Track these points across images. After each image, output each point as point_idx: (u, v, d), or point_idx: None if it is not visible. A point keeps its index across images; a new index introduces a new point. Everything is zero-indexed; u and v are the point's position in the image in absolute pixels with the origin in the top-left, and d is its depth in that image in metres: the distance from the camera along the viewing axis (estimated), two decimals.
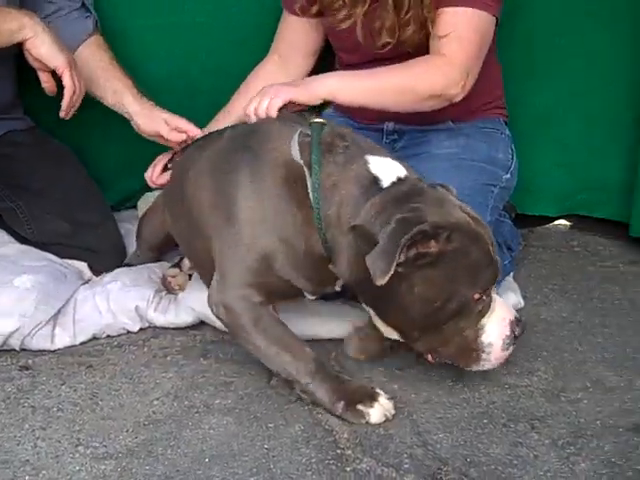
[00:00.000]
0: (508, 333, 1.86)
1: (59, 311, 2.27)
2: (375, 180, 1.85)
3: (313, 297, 2.06)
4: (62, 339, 2.24)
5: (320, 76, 2.22)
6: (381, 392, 1.91)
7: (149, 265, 2.48)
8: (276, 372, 1.97)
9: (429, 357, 1.93)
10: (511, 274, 2.56)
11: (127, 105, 2.48)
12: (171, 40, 2.75)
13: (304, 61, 2.60)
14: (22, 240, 2.48)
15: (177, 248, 2.46)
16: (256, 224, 1.93)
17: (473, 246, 1.79)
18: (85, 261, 2.48)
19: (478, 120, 2.51)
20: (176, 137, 2.40)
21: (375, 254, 1.72)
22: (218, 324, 2.15)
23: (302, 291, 2.01)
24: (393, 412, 1.89)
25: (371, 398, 1.88)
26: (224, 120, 2.48)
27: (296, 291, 2.00)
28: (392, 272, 1.70)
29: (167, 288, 2.41)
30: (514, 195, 2.75)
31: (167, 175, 2.45)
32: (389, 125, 2.52)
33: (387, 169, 1.88)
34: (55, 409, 1.97)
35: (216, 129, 2.32)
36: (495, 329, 1.86)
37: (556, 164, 2.87)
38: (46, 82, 2.30)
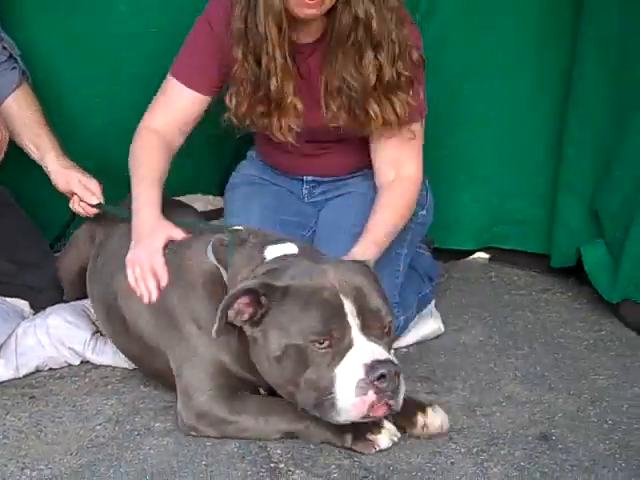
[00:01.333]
0: (362, 376, 1.79)
1: (1, 346, 2.36)
2: (262, 260, 2.03)
3: (265, 392, 2.06)
4: (6, 372, 2.34)
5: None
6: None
7: (83, 302, 2.57)
8: (279, 437, 1.99)
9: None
10: (433, 302, 2.74)
11: (47, 162, 2.59)
12: (105, 87, 2.87)
13: (181, 138, 2.51)
14: None
15: None
16: (201, 333, 2.05)
17: (306, 300, 1.86)
18: (26, 299, 2.57)
19: None
20: (89, 199, 2.51)
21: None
22: None
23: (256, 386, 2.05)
24: (399, 435, 1.96)
25: (376, 425, 1.93)
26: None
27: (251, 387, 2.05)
28: (218, 324, 1.89)
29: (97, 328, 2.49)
30: (435, 230, 2.94)
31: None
32: (308, 178, 2.66)
33: (278, 251, 2.03)
34: (0, 437, 2.06)
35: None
36: (344, 375, 1.81)
37: (472, 200, 3.07)
38: None
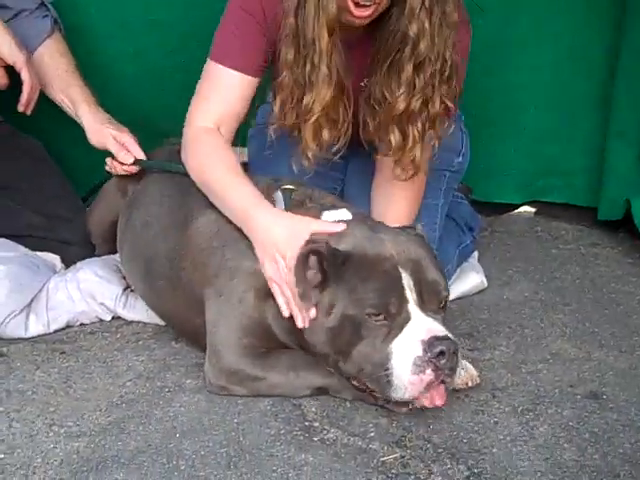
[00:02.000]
0: (420, 354, 1.71)
1: (32, 300, 2.31)
2: None
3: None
4: (36, 327, 2.28)
5: None
6: None
7: (114, 256, 2.50)
8: (310, 393, 1.92)
9: (354, 382, 1.86)
10: (475, 255, 2.63)
11: (81, 116, 2.52)
12: (139, 37, 2.79)
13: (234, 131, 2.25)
14: None
15: None
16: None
17: (366, 270, 1.79)
18: (57, 254, 2.51)
19: None
20: (123, 158, 2.42)
21: None
22: None
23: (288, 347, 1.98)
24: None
25: None
26: None
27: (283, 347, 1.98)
28: (301, 289, 1.80)
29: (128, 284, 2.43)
30: (478, 183, 2.83)
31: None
32: None
33: (334, 217, 1.94)
34: (29, 392, 2.01)
35: None
36: (401, 351, 1.74)
37: (516, 150, 2.95)
38: (1, 77, 2.36)
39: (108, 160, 2.46)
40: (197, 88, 2.22)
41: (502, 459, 1.71)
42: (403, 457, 1.73)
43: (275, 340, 1.96)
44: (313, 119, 2.08)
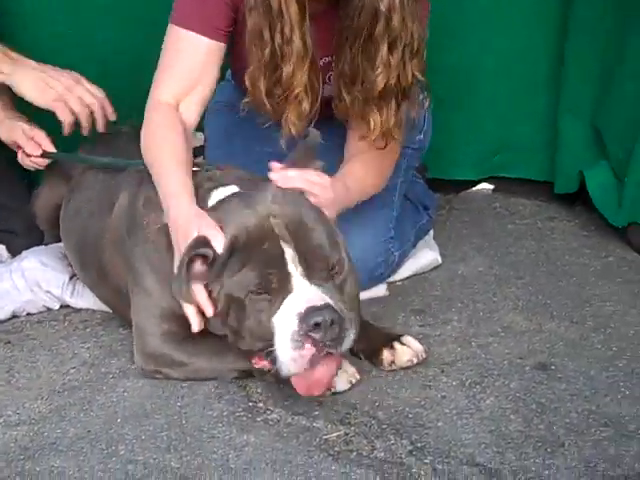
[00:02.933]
0: (296, 328, 1.64)
1: None
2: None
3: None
4: None
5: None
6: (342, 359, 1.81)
7: (60, 244, 2.44)
8: (236, 376, 1.89)
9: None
10: (431, 233, 2.61)
11: None
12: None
13: (200, 109, 2.16)
14: None
15: None
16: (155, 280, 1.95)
17: (247, 252, 1.72)
18: (3, 243, 2.48)
19: None
20: (30, 150, 2.36)
21: None
22: None
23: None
24: (358, 377, 1.83)
25: None
26: None
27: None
28: (183, 290, 1.76)
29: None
30: (434, 160, 2.80)
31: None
32: None
33: (220, 195, 1.87)
34: None
35: None
36: (280, 326, 1.67)
37: (471, 127, 2.91)
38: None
39: (18, 153, 2.39)
40: (160, 58, 2.12)
41: (447, 432, 1.69)
42: (347, 434, 1.70)
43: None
44: (295, 92, 2.01)
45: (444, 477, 1.56)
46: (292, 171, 1.86)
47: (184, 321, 1.83)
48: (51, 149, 2.36)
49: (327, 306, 1.65)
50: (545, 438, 1.66)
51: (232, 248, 1.73)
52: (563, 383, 1.84)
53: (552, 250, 2.55)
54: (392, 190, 2.38)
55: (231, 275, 1.72)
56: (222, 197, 1.87)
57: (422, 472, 1.58)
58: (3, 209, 2.51)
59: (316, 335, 1.63)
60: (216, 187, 1.91)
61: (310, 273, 1.70)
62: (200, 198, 1.88)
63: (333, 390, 1.80)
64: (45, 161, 2.38)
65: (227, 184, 1.92)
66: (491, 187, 3.09)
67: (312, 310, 1.64)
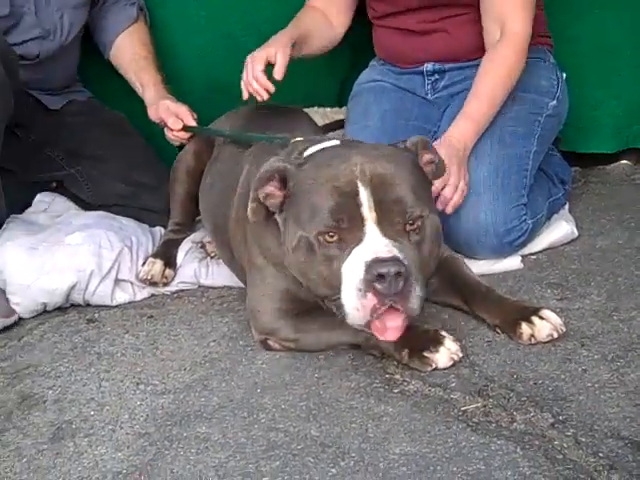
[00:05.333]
0: (361, 277, 1.62)
1: (118, 269, 2.35)
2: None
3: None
4: (122, 297, 2.35)
5: (455, 146, 2.18)
6: (446, 335, 1.82)
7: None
8: (343, 347, 1.93)
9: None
10: (566, 206, 2.54)
11: (145, 95, 2.62)
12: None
13: (345, 18, 2.60)
14: (84, 206, 2.60)
15: None
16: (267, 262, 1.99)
17: (320, 188, 1.71)
18: (143, 222, 2.58)
19: None
20: (172, 124, 2.47)
21: None
22: None
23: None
24: (460, 355, 1.81)
25: (436, 342, 1.80)
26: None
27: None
28: (251, 206, 1.81)
29: (206, 253, 2.49)
30: (569, 133, 2.72)
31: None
32: (428, 66, 2.52)
33: (318, 147, 1.88)
34: (119, 354, 2.07)
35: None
36: (348, 273, 1.65)
37: (608, 96, 2.81)
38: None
39: (166, 131, 2.51)
40: None
41: (589, 406, 1.64)
42: (485, 406, 1.68)
43: (304, 303, 1.91)
44: None
45: (588, 450, 1.52)
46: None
47: (295, 299, 1.89)
48: (192, 124, 2.45)
49: (394, 259, 1.62)
50: None
51: (305, 177, 1.74)
52: None
53: None
54: (525, 157, 2.35)
55: (303, 208, 1.73)
56: (323, 147, 1.88)
57: (564, 444, 1.54)
58: (142, 188, 2.61)
59: (379, 286, 1.60)
60: (322, 141, 1.94)
61: (384, 223, 1.67)
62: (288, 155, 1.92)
63: (434, 366, 1.78)
64: (187, 135, 2.48)
65: (332, 139, 1.96)
66: (630, 163, 2.97)
67: (378, 261, 1.61)
